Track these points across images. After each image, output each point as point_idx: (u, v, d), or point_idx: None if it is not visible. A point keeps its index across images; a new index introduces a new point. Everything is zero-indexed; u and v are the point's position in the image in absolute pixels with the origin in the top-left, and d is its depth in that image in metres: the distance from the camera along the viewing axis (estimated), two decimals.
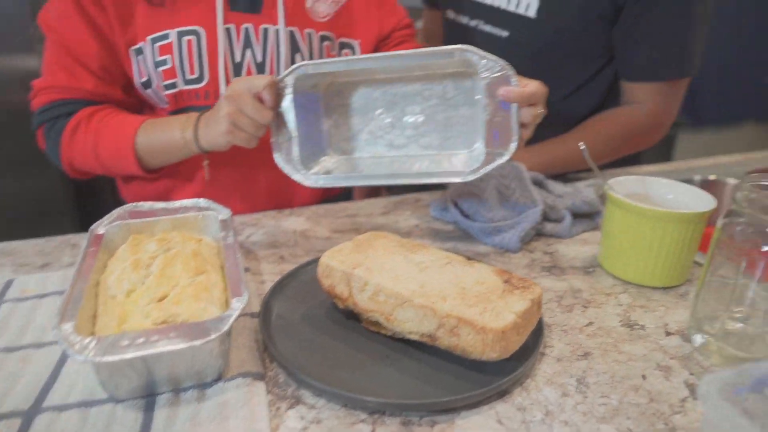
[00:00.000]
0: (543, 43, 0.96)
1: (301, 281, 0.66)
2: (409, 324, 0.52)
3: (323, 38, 0.88)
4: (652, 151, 1.20)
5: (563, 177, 1.06)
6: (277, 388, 0.50)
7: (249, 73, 0.84)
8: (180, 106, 0.84)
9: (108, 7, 0.78)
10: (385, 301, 0.53)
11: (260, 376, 0.51)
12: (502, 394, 0.50)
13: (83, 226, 0.84)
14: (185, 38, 0.80)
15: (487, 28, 1.00)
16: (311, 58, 0.87)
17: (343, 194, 1.14)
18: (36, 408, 0.48)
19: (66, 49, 0.79)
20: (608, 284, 0.69)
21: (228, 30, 0.81)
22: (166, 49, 0.80)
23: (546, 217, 0.82)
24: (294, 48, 0.86)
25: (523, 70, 0.99)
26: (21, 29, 1.67)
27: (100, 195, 2.04)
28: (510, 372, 0.50)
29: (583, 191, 0.86)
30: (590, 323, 0.60)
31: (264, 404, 0.47)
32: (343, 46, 0.92)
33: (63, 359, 0.54)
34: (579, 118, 1.04)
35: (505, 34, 0.99)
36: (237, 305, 0.48)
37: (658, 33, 0.91)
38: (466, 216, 0.82)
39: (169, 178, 0.89)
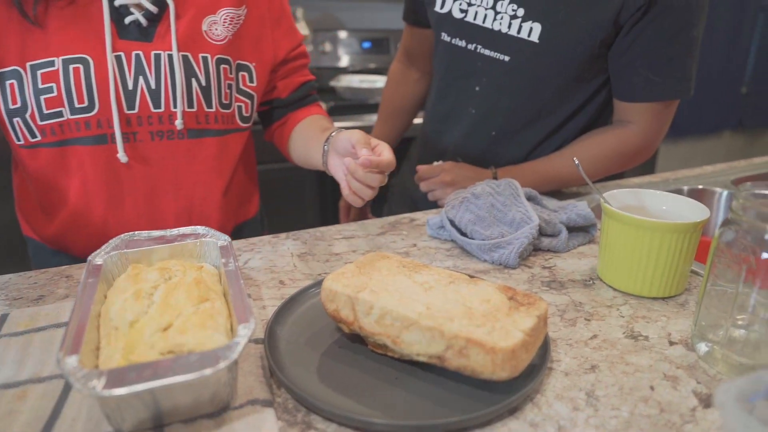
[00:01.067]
0: (546, 67, 0.97)
1: (304, 305, 0.65)
2: (417, 346, 0.52)
3: (220, 61, 0.87)
4: None
5: (557, 193, 1.08)
6: (287, 414, 0.49)
7: (143, 99, 0.82)
8: (65, 137, 0.81)
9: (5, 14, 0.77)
10: (391, 324, 0.53)
11: (269, 403, 0.50)
12: (513, 411, 0.49)
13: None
14: (71, 66, 0.78)
15: (487, 52, 1.01)
16: (208, 82, 0.86)
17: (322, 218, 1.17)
18: None
19: None
20: (609, 296, 0.69)
21: (118, 57, 0.80)
22: (51, 77, 0.77)
23: (542, 232, 0.82)
24: (189, 73, 0.84)
25: (524, 95, 1.01)
26: None
27: None
28: (520, 389, 0.50)
29: (578, 205, 0.87)
30: (594, 336, 0.61)
31: (275, 431, 0.47)
32: (240, 68, 0.92)
33: (65, 393, 0.53)
34: (572, 137, 1.05)
35: (506, 58, 0.99)
36: (244, 332, 0.47)
37: (658, 55, 0.92)
38: (463, 234, 0.83)
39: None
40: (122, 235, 0.65)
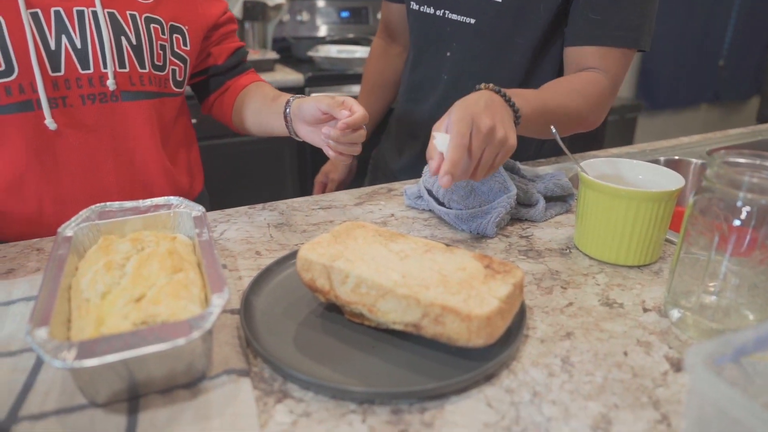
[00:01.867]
0: (510, 27, 0.96)
1: (280, 275, 0.65)
2: (393, 314, 0.52)
3: (149, 20, 0.83)
4: (615, 134, 1.23)
5: (535, 163, 1.08)
6: (263, 384, 0.49)
7: (69, 59, 0.76)
8: None
9: None
10: (367, 292, 0.53)
11: (245, 373, 0.50)
12: (489, 377, 0.50)
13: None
14: None
15: (454, 16, 1.00)
16: (139, 41, 0.81)
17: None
18: (12, 418, 0.46)
19: None
20: (585, 265, 0.70)
21: (36, 14, 0.74)
22: None
23: (520, 202, 0.82)
24: (118, 31, 0.79)
25: (493, 59, 0.99)
26: None
27: None
28: (496, 356, 0.51)
29: (555, 174, 0.87)
30: (570, 304, 0.61)
31: (251, 400, 0.47)
32: (173, 30, 0.87)
33: (37, 367, 0.52)
34: None
35: (472, 21, 0.98)
36: (218, 302, 0.47)
37: (618, 3, 0.90)
38: (441, 203, 0.82)
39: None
40: (93, 206, 0.64)
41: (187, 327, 0.44)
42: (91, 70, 0.78)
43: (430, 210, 0.85)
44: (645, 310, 0.60)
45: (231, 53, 1.00)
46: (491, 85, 0.77)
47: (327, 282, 0.55)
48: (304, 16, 2.68)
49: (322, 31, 2.74)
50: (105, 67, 0.79)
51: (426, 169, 0.87)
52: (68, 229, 0.60)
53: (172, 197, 0.65)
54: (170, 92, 0.89)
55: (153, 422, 0.45)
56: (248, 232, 0.77)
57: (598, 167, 0.75)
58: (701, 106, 4.20)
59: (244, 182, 2.18)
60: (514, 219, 0.82)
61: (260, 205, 0.86)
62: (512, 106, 0.77)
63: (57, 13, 0.75)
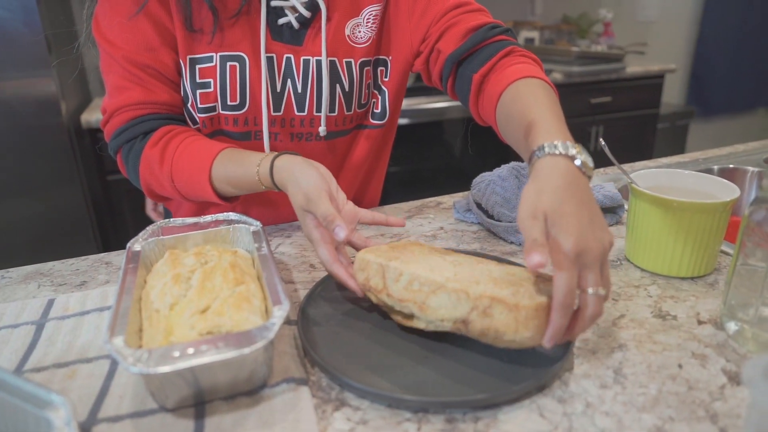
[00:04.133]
0: None
1: (334, 287, 0.67)
2: (443, 311, 0.53)
3: (363, 65, 0.85)
4: (665, 143, 1.20)
5: None
6: (321, 392, 0.51)
7: (289, 102, 0.82)
8: (213, 128, 0.82)
9: (174, 14, 0.76)
10: (419, 289, 0.54)
11: (304, 381, 0.52)
12: (541, 388, 0.50)
13: (104, 244, 0.86)
14: (229, 63, 0.78)
15: None
16: (351, 87, 0.84)
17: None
18: (92, 420, 0.49)
19: (135, 63, 0.76)
20: (636, 276, 0.69)
21: (270, 59, 0.80)
22: (208, 72, 0.78)
23: None
24: (334, 79, 0.83)
25: None
26: (37, 53, 1.71)
27: (118, 214, 2.08)
28: (548, 365, 0.51)
29: (605, 186, 0.86)
30: (622, 316, 0.61)
31: (310, 408, 0.49)
32: (378, 63, 0.87)
33: (111, 372, 0.55)
34: None
35: None
36: (279, 313, 0.49)
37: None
38: (491, 216, 0.83)
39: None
40: (158, 222, 0.67)
41: (251, 337, 0.46)
42: (305, 113, 0.83)
43: (479, 223, 0.86)
44: (700, 322, 0.60)
45: (464, 35, 0.81)
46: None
47: (381, 281, 0.57)
48: None
49: None
50: (318, 110, 0.83)
51: (475, 181, 0.88)
52: (137, 244, 0.64)
53: (231, 213, 0.69)
54: (367, 124, 0.91)
55: (219, 427, 0.47)
56: (302, 245, 0.80)
57: (649, 178, 0.75)
58: (758, 111, 4.04)
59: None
60: None
61: None
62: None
63: (288, 59, 0.81)
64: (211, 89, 0.78)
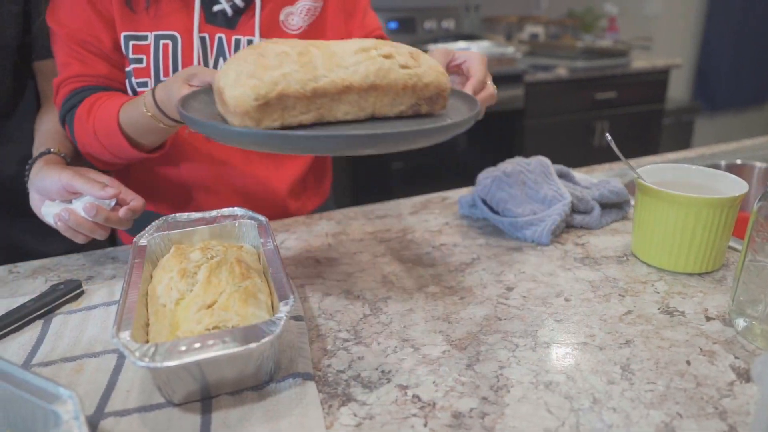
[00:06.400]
0: None
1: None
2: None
3: None
4: (671, 138, 1.20)
5: (590, 170, 1.07)
6: (328, 387, 0.51)
7: None
8: None
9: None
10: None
11: (310, 377, 0.52)
12: (548, 384, 0.50)
13: (110, 238, 0.86)
14: (162, 41, 0.83)
15: None
16: None
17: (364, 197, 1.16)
18: (99, 414, 0.49)
19: (76, 40, 0.81)
20: (643, 272, 0.69)
21: (203, 38, 0.84)
22: (142, 49, 0.83)
23: (575, 209, 0.82)
24: None
25: None
26: None
27: None
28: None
29: (610, 181, 0.86)
30: (629, 312, 0.61)
31: (317, 403, 0.49)
32: None
33: (118, 367, 0.55)
34: None
35: None
36: (285, 308, 0.49)
37: None
38: (495, 212, 0.83)
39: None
40: (165, 217, 0.67)
41: (258, 332, 0.46)
42: None
43: (484, 218, 0.85)
44: (708, 318, 0.59)
45: None
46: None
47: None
48: None
49: None
50: None
51: (479, 177, 0.88)
52: (143, 238, 0.64)
53: (236, 208, 0.69)
54: None
55: (226, 421, 0.48)
56: (307, 241, 0.80)
57: (655, 173, 0.74)
58: (765, 105, 4.02)
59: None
60: (569, 227, 0.82)
61: (318, 215, 0.88)
62: None
63: (219, 39, 0.85)
64: (144, 65, 0.83)
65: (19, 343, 0.60)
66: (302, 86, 0.54)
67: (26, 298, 0.67)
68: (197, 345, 0.45)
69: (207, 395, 0.50)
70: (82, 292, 0.68)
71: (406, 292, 0.66)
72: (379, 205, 0.92)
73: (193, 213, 0.68)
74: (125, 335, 0.47)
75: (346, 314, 0.62)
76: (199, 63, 0.83)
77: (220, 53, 0.85)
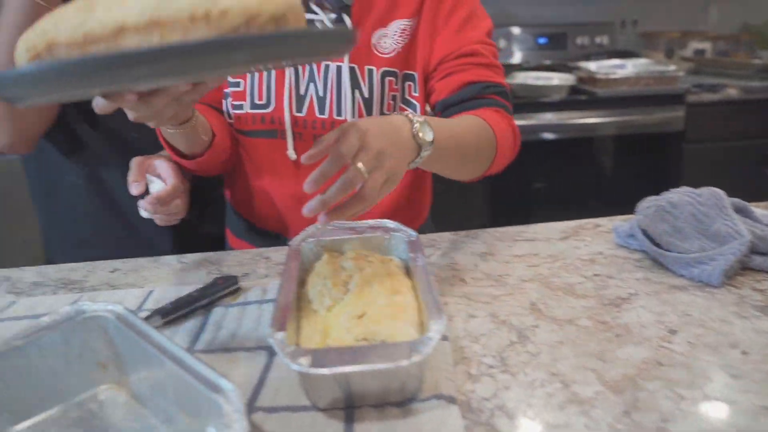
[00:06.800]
0: None
1: None
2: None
3: (385, 74, 0.87)
4: None
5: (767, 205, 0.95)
6: (471, 413, 0.49)
7: (311, 105, 0.88)
8: (242, 127, 0.90)
9: None
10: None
11: (453, 400, 0.51)
12: (699, 389, 0.44)
13: None
14: None
15: None
16: (371, 94, 0.87)
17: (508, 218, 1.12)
18: (249, 407, 0.52)
19: None
20: None
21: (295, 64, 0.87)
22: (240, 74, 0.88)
23: (754, 250, 0.73)
24: (354, 84, 0.87)
25: None
26: None
27: None
28: None
29: None
30: None
31: (460, 428, 0.47)
32: (406, 78, 0.89)
33: (268, 365, 0.58)
34: None
35: None
36: (437, 327, 0.48)
37: None
38: (657, 245, 0.76)
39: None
40: (317, 224, 0.70)
41: (408, 349, 0.46)
42: (326, 116, 0.88)
43: (643, 250, 0.79)
44: None
45: (458, 88, 0.87)
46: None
47: None
48: (500, 44, 2.69)
49: (517, 58, 2.73)
50: (338, 114, 0.88)
51: (640, 206, 0.81)
52: (296, 243, 0.67)
53: (387, 221, 0.69)
54: None
55: None
56: (453, 258, 0.79)
57: None
58: None
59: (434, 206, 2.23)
60: (746, 268, 0.73)
61: (464, 232, 0.87)
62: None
63: (310, 65, 0.88)
64: (241, 88, 0.88)
65: (186, 329, 0.65)
66: (72, 32, 0.45)
67: (191, 288, 0.73)
68: (348, 356, 0.46)
69: (350, 404, 0.51)
70: (239, 288, 0.73)
71: (555, 322, 0.63)
72: (525, 228, 0.89)
73: (346, 222, 0.70)
74: (280, 336, 0.49)
75: (492, 339, 0.60)
76: (290, 88, 0.87)
77: (311, 79, 0.87)
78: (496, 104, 0.87)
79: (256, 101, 0.88)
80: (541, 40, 2.73)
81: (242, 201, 1.00)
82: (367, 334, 0.50)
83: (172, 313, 0.67)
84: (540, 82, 2.28)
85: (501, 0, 2.68)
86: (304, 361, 0.46)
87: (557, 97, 2.23)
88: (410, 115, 0.66)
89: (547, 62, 2.62)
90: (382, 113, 0.89)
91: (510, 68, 2.56)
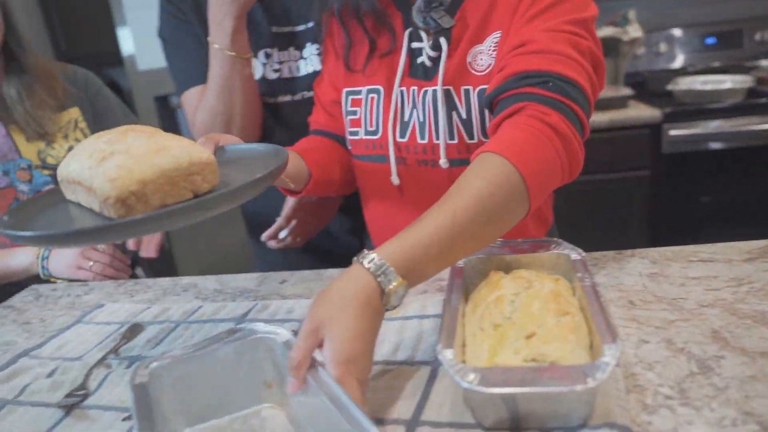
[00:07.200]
0: None
1: None
2: None
3: (482, 92, 0.82)
4: None
5: None
6: None
7: (413, 131, 0.89)
8: (357, 152, 0.96)
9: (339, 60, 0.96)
10: None
11: (627, 430, 0.48)
12: None
13: None
14: (370, 95, 0.92)
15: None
16: (469, 115, 0.84)
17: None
18: (416, 420, 0.53)
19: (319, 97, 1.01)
20: None
21: (401, 92, 0.89)
22: (357, 102, 0.93)
23: None
24: (450, 107, 0.85)
25: None
26: None
27: None
28: None
29: None
30: None
31: None
32: None
33: (431, 379, 0.59)
34: None
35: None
36: (611, 352, 0.46)
37: None
38: None
39: None
40: None
41: (581, 373, 0.44)
42: (426, 141, 0.89)
43: None
44: None
45: (503, 79, 0.75)
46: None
47: None
48: (662, 48, 2.51)
49: (680, 61, 2.52)
50: (437, 139, 0.88)
51: None
52: (459, 261, 0.67)
53: (552, 239, 0.68)
54: None
55: None
56: (618, 278, 0.74)
57: None
58: None
59: (586, 223, 2.13)
60: None
61: (629, 251, 0.82)
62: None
63: (413, 91, 0.90)
64: (357, 116, 0.93)
65: None
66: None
67: None
68: (518, 376, 0.45)
69: (515, 426, 0.50)
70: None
71: (745, 353, 0.56)
72: (700, 247, 0.81)
73: (509, 240, 0.69)
74: (449, 353, 0.50)
75: (669, 367, 0.56)
76: (395, 115, 0.89)
77: (414, 105, 0.88)
78: (532, 98, 0.70)
79: (368, 128, 0.93)
80: (709, 40, 2.50)
81: (368, 220, 1.06)
82: (537, 356, 0.49)
83: None
84: (708, 87, 2.09)
85: (663, 2, 2.50)
86: (473, 379, 0.46)
87: (731, 102, 2.02)
88: (379, 278, 0.55)
89: (716, 64, 2.38)
90: (483, 132, 0.85)
91: (671, 73, 2.38)
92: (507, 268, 0.66)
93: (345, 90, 0.95)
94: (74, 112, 1.19)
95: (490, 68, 0.81)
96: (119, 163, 0.56)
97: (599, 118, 2.02)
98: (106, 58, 2.44)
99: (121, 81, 2.51)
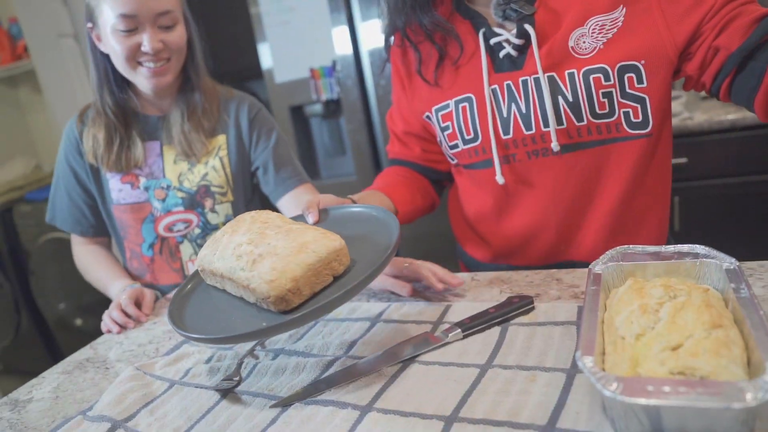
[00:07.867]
0: None
1: None
2: None
3: (588, 73, 0.83)
4: None
5: None
6: None
7: (516, 123, 0.88)
8: (463, 162, 0.97)
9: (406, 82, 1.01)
10: None
11: None
12: None
13: None
14: (460, 105, 0.92)
15: None
16: (576, 97, 0.84)
17: None
18: (551, 426, 0.53)
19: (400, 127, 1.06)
20: None
21: (494, 90, 0.89)
22: (448, 117, 0.94)
23: None
24: (555, 92, 0.85)
25: None
26: None
27: None
28: None
29: None
30: None
31: None
32: (623, 70, 0.83)
33: (567, 386, 0.58)
34: None
35: None
36: None
37: None
38: None
39: None
40: (618, 248, 0.67)
41: (739, 390, 0.42)
42: (533, 131, 0.89)
43: None
44: None
45: (748, 28, 0.75)
46: None
47: None
48: None
49: None
50: (545, 126, 0.87)
51: None
52: (597, 266, 0.65)
53: (697, 246, 0.64)
54: (624, 136, 0.87)
55: None
56: None
57: None
58: None
59: (729, 230, 1.95)
60: None
61: None
62: None
63: (508, 85, 0.89)
64: (451, 130, 0.94)
65: (481, 342, 0.70)
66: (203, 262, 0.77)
67: (484, 305, 0.77)
68: (667, 389, 0.43)
69: None
70: (533, 308, 0.75)
71: None
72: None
73: (648, 246, 0.66)
74: (589, 360, 0.49)
75: None
76: (493, 115, 0.89)
77: (511, 99, 0.88)
78: None
79: (466, 137, 0.94)
80: None
81: (463, 224, 1.08)
82: (685, 369, 0.47)
83: (470, 328, 0.71)
84: None
85: None
86: (616, 387, 0.45)
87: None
88: None
89: None
90: (593, 113, 0.85)
91: None
92: (646, 275, 0.63)
93: (434, 108, 0.97)
94: (221, 139, 1.23)
95: (596, 50, 0.84)
96: (272, 266, 0.65)
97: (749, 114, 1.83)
98: (248, 72, 2.63)
99: (261, 93, 2.70)
